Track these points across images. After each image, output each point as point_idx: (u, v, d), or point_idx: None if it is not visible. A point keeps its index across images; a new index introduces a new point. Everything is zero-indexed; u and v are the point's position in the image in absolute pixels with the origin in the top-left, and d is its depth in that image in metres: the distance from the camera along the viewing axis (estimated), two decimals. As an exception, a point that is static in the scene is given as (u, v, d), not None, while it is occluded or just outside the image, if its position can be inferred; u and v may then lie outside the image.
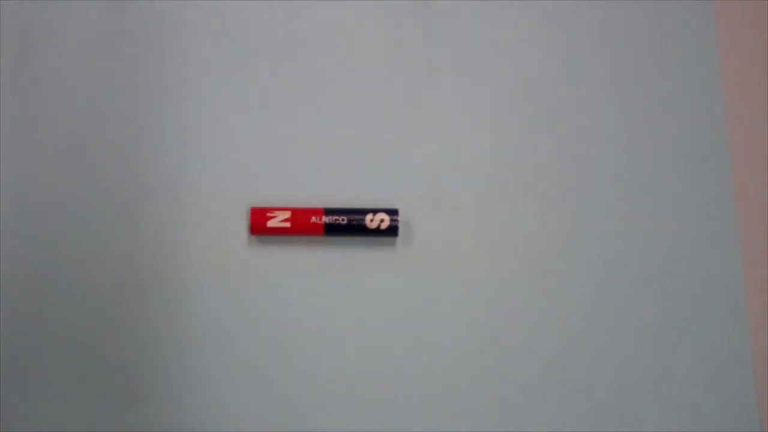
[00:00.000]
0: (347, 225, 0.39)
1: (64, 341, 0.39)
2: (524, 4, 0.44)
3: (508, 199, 0.41)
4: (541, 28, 0.43)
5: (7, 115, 0.41)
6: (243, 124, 0.41)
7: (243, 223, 0.40)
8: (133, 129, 0.41)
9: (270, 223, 0.39)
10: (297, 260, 0.40)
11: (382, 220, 0.39)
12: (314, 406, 0.39)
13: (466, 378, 0.39)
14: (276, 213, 0.39)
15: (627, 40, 0.43)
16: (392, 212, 0.40)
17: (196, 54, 0.42)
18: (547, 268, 0.41)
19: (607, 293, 0.41)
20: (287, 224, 0.39)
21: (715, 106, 0.43)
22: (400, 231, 0.40)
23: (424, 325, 0.40)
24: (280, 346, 0.39)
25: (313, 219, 0.39)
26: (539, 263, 0.41)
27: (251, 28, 0.42)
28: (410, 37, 0.43)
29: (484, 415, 0.39)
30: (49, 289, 0.39)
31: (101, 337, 0.39)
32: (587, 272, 0.41)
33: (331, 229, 0.39)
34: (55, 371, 0.38)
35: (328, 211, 0.39)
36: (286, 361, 0.39)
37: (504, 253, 0.41)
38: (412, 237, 0.41)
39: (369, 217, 0.40)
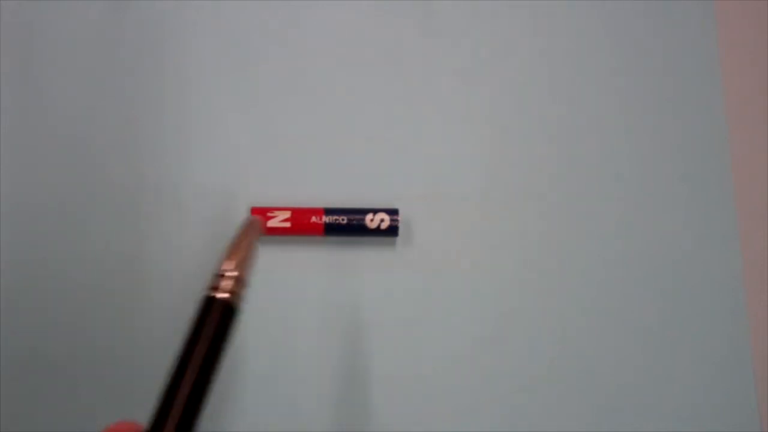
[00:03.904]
0: (347, 225, 0.39)
1: (64, 341, 0.39)
2: (524, 4, 0.44)
3: (508, 199, 0.41)
4: (541, 28, 0.43)
5: (7, 115, 0.41)
6: (243, 124, 0.41)
7: (243, 223, 0.40)
8: (134, 129, 0.41)
9: (270, 223, 0.39)
10: (297, 260, 0.40)
11: (382, 220, 0.39)
12: (313, 406, 0.39)
13: (466, 378, 0.39)
14: (276, 213, 0.39)
15: (627, 40, 0.43)
16: (392, 212, 0.40)
17: (196, 54, 0.42)
18: (547, 267, 0.41)
19: (607, 293, 0.41)
20: (287, 224, 0.39)
21: (715, 106, 0.43)
22: (400, 231, 0.40)
23: (424, 325, 0.40)
24: (280, 346, 0.39)
25: (313, 219, 0.39)
26: (539, 263, 0.41)
27: (251, 28, 0.42)
28: (410, 37, 0.43)
29: (485, 415, 0.39)
30: (49, 289, 0.39)
31: (101, 336, 0.39)
32: (587, 272, 0.41)
33: (331, 229, 0.39)
34: (55, 371, 0.38)
35: (328, 211, 0.39)
36: (285, 361, 0.39)
37: (504, 253, 0.41)
38: (412, 237, 0.41)
39: (369, 217, 0.40)
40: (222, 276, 0.30)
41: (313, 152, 0.41)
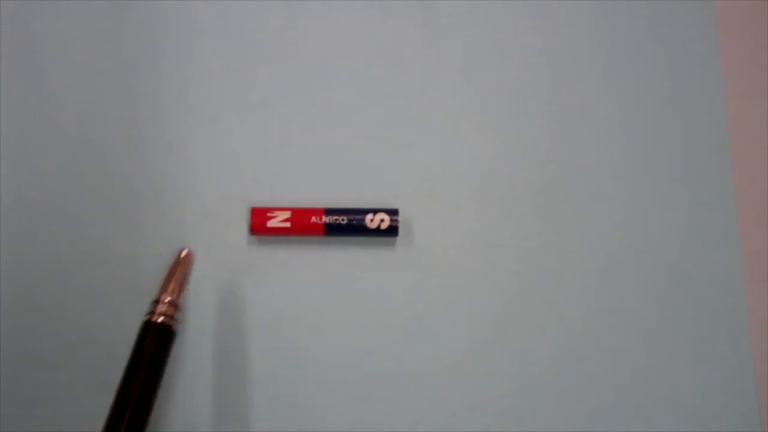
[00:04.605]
0: (347, 225, 0.39)
1: (64, 341, 0.39)
2: (524, 4, 0.44)
3: (508, 199, 0.41)
4: (541, 28, 0.43)
5: (7, 115, 0.41)
6: (243, 124, 0.41)
7: (243, 223, 0.40)
8: (134, 129, 0.41)
9: (270, 223, 0.39)
10: (297, 260, 0.40)
11: (382, 220, 0.39)
12: (314, 406, 0.39)
13: (466, 377, 0.39)
14: (276, 213, 0.39)
15: (627, 40, 0.43)
16: (392, 212, 0.40)
17: (196, 54, 0.42)
18: (547, 267, 0.41)
19: (607, 293, 0.41)
20: (287, 224, 0.39)
21: (715, 106, 0.43)
22: (400, 231, 0.40)
23: (424, 325, 0.40)
24: (280, 346, 0.39)
25: (313, 219, 0.39)
26: (539, 263, 0.41)
27: (251, 29, 0.42)
28: (410, 37, 0.43)
29: (484, 415, 0.39)
30: (49, 289, 0.39)
31: (101, 337, 0.39)
32: (588, 272, 0.41)
33: (331, 229, 0.39)
34: (56, 371, 0.38)
35: (328, 211, 0.39)
36: (285, 361, 0.39)
37: (504, 253, 0.41)
38: (412, 237, 0.41)
39: (369, 217, 0.40)
40: (158, 302, 0.35)
41: (313, 152, 0.41)
